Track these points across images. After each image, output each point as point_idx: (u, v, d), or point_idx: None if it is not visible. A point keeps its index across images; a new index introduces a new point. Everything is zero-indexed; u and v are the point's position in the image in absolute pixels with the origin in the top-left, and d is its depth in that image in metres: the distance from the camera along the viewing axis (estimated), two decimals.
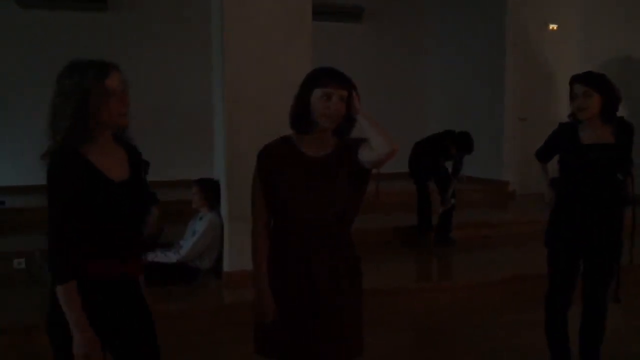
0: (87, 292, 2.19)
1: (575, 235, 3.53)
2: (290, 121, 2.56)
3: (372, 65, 10.12)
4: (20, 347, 4.15)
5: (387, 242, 6.65)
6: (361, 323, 2.62)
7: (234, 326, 4.29)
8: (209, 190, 5.40)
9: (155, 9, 9.14)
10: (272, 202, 2.54)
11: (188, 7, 8.88)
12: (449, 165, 6.72)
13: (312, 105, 2.47)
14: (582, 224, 3.50)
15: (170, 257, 5.24)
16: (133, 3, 9.13)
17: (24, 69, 8.41)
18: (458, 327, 4.82)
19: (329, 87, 2.45)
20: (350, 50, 9.89)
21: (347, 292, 2.52)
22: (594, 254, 3.54)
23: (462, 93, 10.09)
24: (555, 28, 9.40)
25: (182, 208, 6.27)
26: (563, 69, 8.70)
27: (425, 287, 5.44)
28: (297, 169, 2.51)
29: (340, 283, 2.51)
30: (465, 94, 10.01)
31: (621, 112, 3.51)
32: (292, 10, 5.17)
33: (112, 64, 2.26)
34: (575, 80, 3.48)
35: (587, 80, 3.41)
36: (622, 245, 3.54)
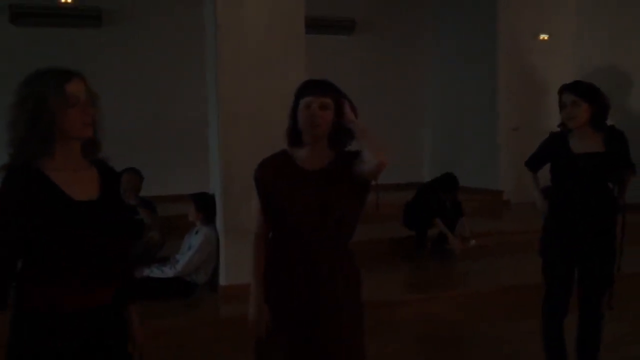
0: (37, 325, 2.00)
1: (569, 243, 3.55)
2: (285, 135, 2.61)
3: (365, 75, 10.15)
4: None
5: (384, 253, 6.66)
6: (362, 331, 2.62)
7: (231, 340, 4.28)
8: (204, 204, 5.40)
9: (149, 24, 9.16)
10: (270, 214, 2.57)
11: (182, 22, 8.90)
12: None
13: (298, 118, 2.52)
14: (575, 232, 3.52)
15: (166, 271, 5.24)
16: (127, 19, 9.15)
17: (17, 86, 8.41)
18: (454, 337, 4.83)
19: (309, 96, 2.49)
20: (343, 62, 9.92)
21: (345, 298, 2.54)
22: (588, 261, 3.55)
23: (456, 103, 10.14)
24: (546, 38, 9.48)
25: (178, 222, 6.27)
26: (554, 79, 8.75)
27: (422, 298, 5.45)
28: (293, 181, 2.53)
29: (339, 290, 2.52)
30: (459, 103, 10.06)
31: (610, 120, 3.54)
32: (285, 24, 5.21)
33: (76, 72, 2.09)
34: (564, 89, 3.51)
35: (576, 90, 3.45)
36: (615, 252, 3.56)
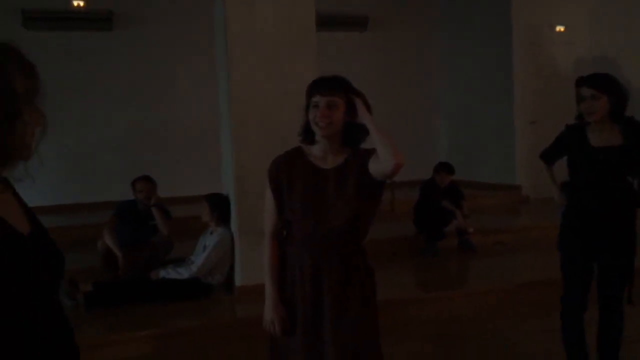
0: None
1: (588, 237, 3.48)
2: (300, 132, 2.59)
3: (379, 72, 10.13)
4: None
5: (399, 251, 6.62)
6: (377, 335, 2.58)
7: (248, 340, 4.26)
8: (219, 205, 5.39)
9: (159, 26, 9.20)
10: (284, 212, 2.55)
11: (193, 24, 8.92)
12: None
13: (309, 116, 2.49)
14: (595, 226, 3.45)
15: (182, 273, 5.23)
16: (138, 22, 9.19)
17: None
18: (474, 335, 4.77)
19: (316, 95, 2.47)
20: (356, 59, 9.90)
21: (358, 302, 2.50)
22: (607, 256, 3.49)
23: (471, 98, 10.06)
24: (562, 29, 9.37)
25: (192, 223, 6.27)
26: (571, 70, 8.66)
27: (437, 296, 5.39)
28: (306, 179, 2.51)
29: (351, 293, 2.48)
30: (475, 99, 9.99)
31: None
32: (296, 22, 5.18)
33: None
34: (581, 82, 3.42)
35: (594, 83, 3.36)
36: (635, 246, 3.49)
